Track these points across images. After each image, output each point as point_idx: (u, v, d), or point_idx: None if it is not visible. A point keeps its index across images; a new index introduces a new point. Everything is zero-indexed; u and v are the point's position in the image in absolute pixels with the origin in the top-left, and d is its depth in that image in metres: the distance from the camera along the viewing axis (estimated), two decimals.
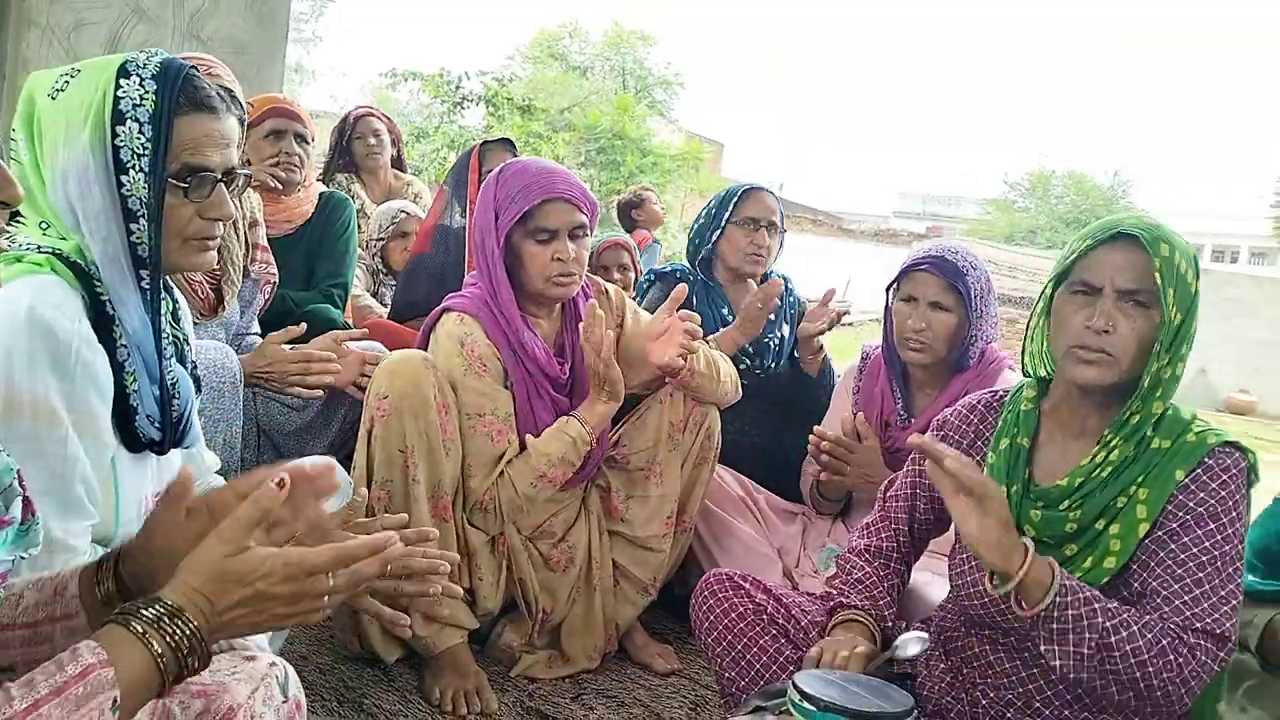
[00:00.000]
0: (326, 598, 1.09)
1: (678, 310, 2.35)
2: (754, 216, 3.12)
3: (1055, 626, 1.55)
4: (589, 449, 2.36)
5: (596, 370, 2.30)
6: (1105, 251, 1.66)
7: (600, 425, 2.37)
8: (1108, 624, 1.54)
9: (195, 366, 1.63)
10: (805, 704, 1.50)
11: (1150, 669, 1.53)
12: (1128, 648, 1.53)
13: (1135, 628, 1.54)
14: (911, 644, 1.69)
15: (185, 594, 1.04)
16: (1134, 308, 1.63)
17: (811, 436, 2.73)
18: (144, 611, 1.02)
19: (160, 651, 1.00)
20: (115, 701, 0.96)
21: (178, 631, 1.01)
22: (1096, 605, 1.55)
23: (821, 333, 3.07)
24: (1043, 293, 1.78)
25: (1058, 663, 1.57)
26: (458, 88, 15.75)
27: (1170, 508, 1.63)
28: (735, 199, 3.16)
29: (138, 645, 1.00)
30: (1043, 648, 1.59)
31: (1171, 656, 1.53)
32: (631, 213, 6.91)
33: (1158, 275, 1.60)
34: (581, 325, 2.26)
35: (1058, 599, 1.54)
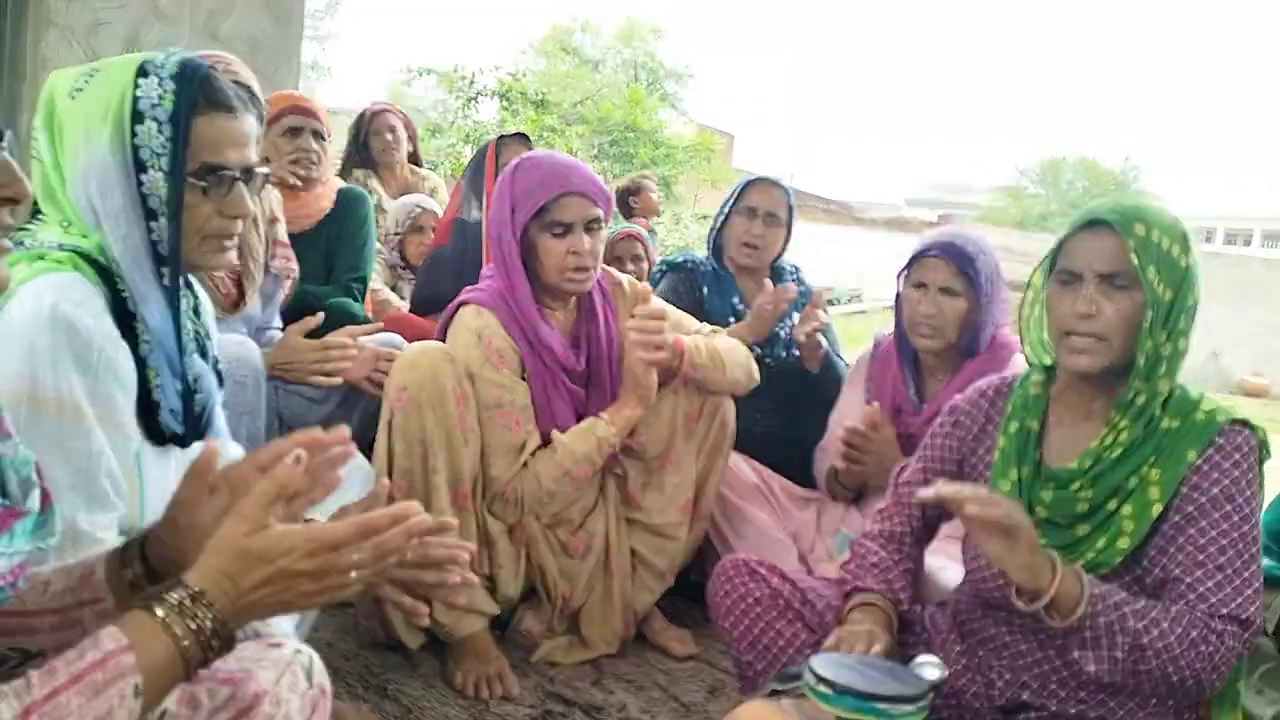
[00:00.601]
0: (353, 573, 1.08)
1: (645, 311, 2.37)
2: (752, 206, 3.14)
3: (1088, 635, 1.56)
4: (612, 449, 2.39)
5: (636, 375, 2.34)
6: (1083, 239, 1.69)
7: (627, 428, 2.40)
8: (1139, 625, 1.54)
9: (217, 361, 1.65)
10: (822, 687, 1.51)
11: (1183, 662, 1.53)
12: (1160, 645, 1.53)
13: (1165, 624, 1.54)
14: (927, 669, 1.67)
15: (208, 576, 1.04)
16: (1115, 290, 1.65)
17: (841, 432, 2.73)
18: (166, 596, 1.02)
19: (182, 635, 1.00)
20: (137, 687, 0.96)
21: (200, 614, 1.01)
22: (1127, 609, 1.55)
23: (809, 334, 3.05)
24: (1029, 283, 1.80)
25: (1092, 668, 1.58)
26: (472, 83, 15.75)
27: (1185, 490, 1.63)
28: (742, 189, 3.18)
29: (160, 630, 1.00)
30: (1076, 653, 1.59)
31: (1203, 646, 1.54)
32: (629, 199, 6.89)
33: (1133, 256, 1.62)
34: (632, 324, 2.31)
35: (1089, 609, 1.54)
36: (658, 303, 2.50)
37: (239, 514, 1.07)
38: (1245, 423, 1.66)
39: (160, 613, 1.01)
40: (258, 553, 1.05)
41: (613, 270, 2.62)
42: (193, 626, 1.01)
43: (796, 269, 3.35)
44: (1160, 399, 1.68)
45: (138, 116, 1.41)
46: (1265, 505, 2.03)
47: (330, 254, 3.10)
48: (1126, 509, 1.67)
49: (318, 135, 3.09)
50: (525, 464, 2.33)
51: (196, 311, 1.61)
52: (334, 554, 1.07)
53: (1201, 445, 1.64)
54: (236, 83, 2.45)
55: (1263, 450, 1.66)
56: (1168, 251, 1.63)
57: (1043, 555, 1.57)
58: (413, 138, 4.62)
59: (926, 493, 1.60)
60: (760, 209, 3.14)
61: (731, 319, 3.15)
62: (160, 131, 1.41)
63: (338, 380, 2.52)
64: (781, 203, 3.17)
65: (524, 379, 2.35)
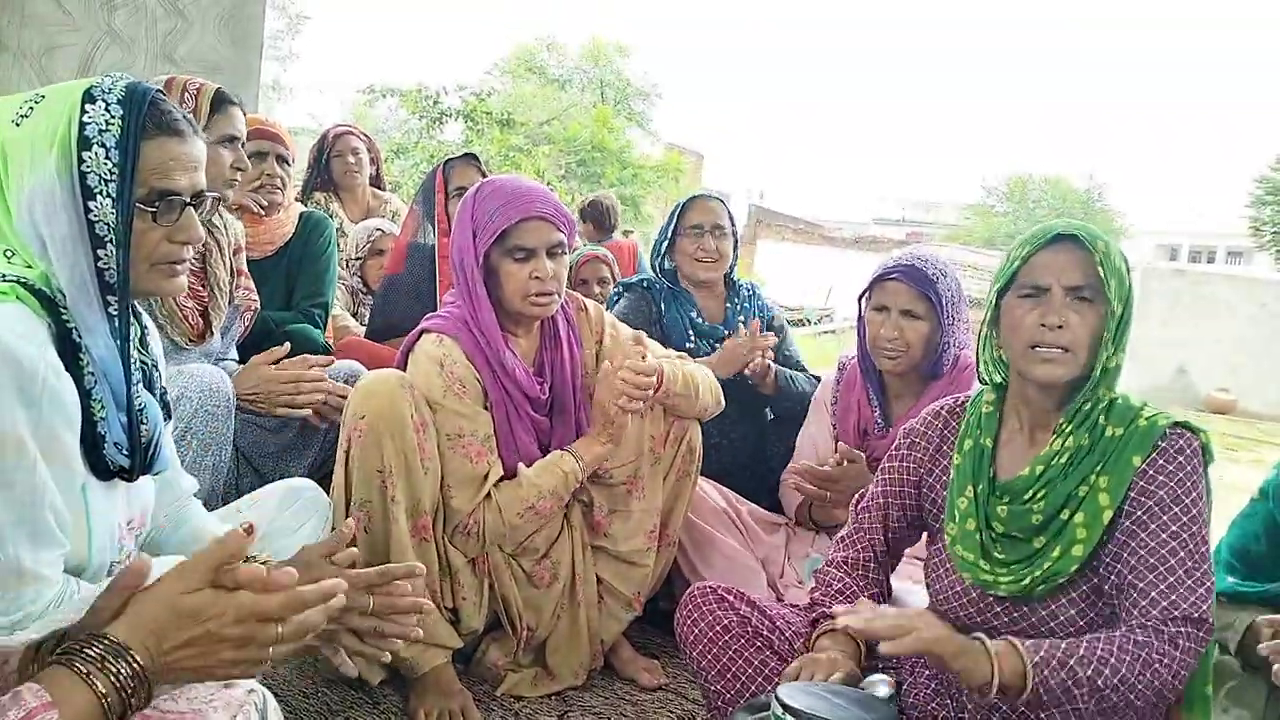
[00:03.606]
0: (272, 649, 1.08)
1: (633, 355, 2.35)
2: (697, 223, 3.21)
3: (1046, 699, 1.57)
4: (578, 484, 2.37)
5: (608, 414, 2.33)
6: (1048, 254, 1.74)
7: (595, 465, 2.39)
8: (1088, 673, 1.55)
9: (165, 393, 1.61)
10: (789, 717, 1.50)
11: (1140, 685, 1.55)
12: (1115, 680, 1.54)
13: (1113, 659, 1.56)
14: (879, 686, 1.67)
15: (133, 630, 1.03)
16: (1081, 303, 1.71)
17: (794, 475, 2.72)
18: (87, 650, 1.00)
19: (104, 691, 0.99)
20: None
21: (122, 670, 1.00)
22: (1072, 661, 1.56)
23: (748, 365, 3.03)
24: (989, 301, 1.84)
25: None
26: (436, 103, 15.76)
27: (1133, 495, 1.67)
28: (679, 210, 3.26)
29: (81, 685, 0.98)
30: (1043, 716, 1.62)
31: (1156, 664, 1.55)
32: (609, 216, 6.86)
33: (1100, 269, 1.69)
34: (622, 374, 2.28)
35: (1037, 680, 1.55)
36: (651, 354, 2.45)
37: (179, 573, 1.07)
38: (1187, 426, 1.71)
39: (82, 667, 0.99)
40: (189, 610, 1.04)
41: (577, 294, 2.59)
42: (114, 681, 1.00)
43: (753, 287, 3.41)
44: (1102, 405, 1.73)
45: (85, 143, 1.38)
46: (1226, 521, 2.05)
47: (292, 280, 3.07)
48: (1079, 517, 1.71)
49: (281, 160, 3.06)
50: (488, 495, 2.29)
51: (143, 342, 1.58)
52: (260, 625, 1.07)
53: (1145, 450, 1.69)
54: (224, 99, 2.47)
55: (1205, 454, 1.70)
56: (1119, 268, 1.71)
57: (974, 649, 1.57)
58: (376, 160, 4.58)
59: (840, 621, 1.62)
60: (706, 224, 3.21)
61: (690, 332, 3.19)
62: (108, 157, 1.39)
63: (306, 412, 2.50)
64: (723, 213, 3.26)
65: (486, 408, 2.32)
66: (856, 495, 2.08)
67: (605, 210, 6.93)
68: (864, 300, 2.67)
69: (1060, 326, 1.69)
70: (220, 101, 2.49)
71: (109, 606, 1.10)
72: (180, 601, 1.04)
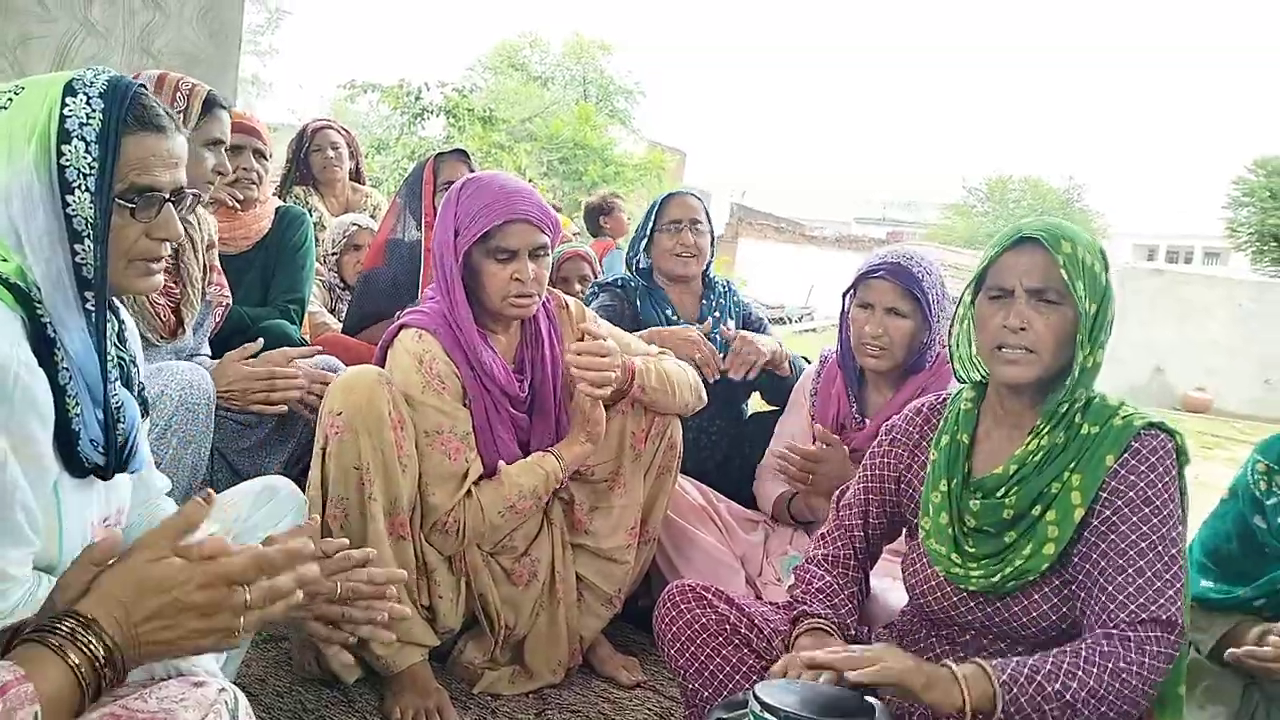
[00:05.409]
0: (242, 618, 1.09)
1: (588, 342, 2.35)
2: (675, 219, 3.23)
3: (1019, 718, 1.56)
4: (559, 484, 2.36)
5: (584, 410, 2.31)
6: (1012, 255, 1.74)
7: (576, 464, 2.38)
8: (1056, 687, 1.54)
9: (143, 389, 1.60)
10: (766, 714, 1.50)
11: (1111, 696, 1.54)
12: (1084, 694, 1.54)
13: (1081, 671, 1.55)
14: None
15: (101, 603, 1.04)
16: (1045, 305, 1.71)
17: (774, 457, 2.73)
18: (59, 626, 1.02)
19: (78, 663, 1.00)
20: (37, 716, 0.96)
21: (93, 642, 1.01)
22: (1039, 678, 1.55)
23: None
24: (960, 300, 1.86)
25: None
26: (418, 99, 15.68)
27: (1104, 495, 1.68)
28: (657, 207, 3.29)
29: (54, 659, 0.99)
30: None
31: (1124, 674, 1.55)
32: (600, 218, 6.91)
33: (1063, 272, 1.68)
34: (574, 360, 2.28)
35: (1007, 699, 1.54)
36: (603, 329, 2.47)
37: (142, 544, 1.08)
38: (1162, 427, 1.71)
39: (54, 641, 1.01)
40: (155, 581, 1.05)
41: (558, 292, 2.59)
42: (87, 653, 1.01)
43: (729, 285, 3.43)
44: (1079, 405, 1.73)
45: (65, 136, 1.36)
46: (1199, 521, 2.07)
47: (268, 275, 3.05)
48: (1050, 515, 1.71)
49: (259, 154, 3.05)
50: (468, 493, 2.28)
51: (121, 337, 1.56)
52: (227, 590, 1.08)
53: (1119, 450, 1.68)
54: (215, 102, 2.46)
55: (1180, 456, 1.70)
56: (1091, 267, 1.70)
57: (942, 678, 1.56)
58: (355, 154, 4.57)
59: (806, 656, 1.60)
60: (684, 219, 3.23)
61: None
62: (88, 151, 1.37)
63: (282, 409, 2.48)
64: (701, 210, 3.28)
65: (466, 405, 2.31)
66: (837, 493, 2.08)
67: (593, 211, 6.97)
68: (848, 297, 2.68)
69: (1023, 328, 1.70)
70: (211, 104, 2.49)
71: (77, 581, 1.10)
72: (144, 572, 1.05)
